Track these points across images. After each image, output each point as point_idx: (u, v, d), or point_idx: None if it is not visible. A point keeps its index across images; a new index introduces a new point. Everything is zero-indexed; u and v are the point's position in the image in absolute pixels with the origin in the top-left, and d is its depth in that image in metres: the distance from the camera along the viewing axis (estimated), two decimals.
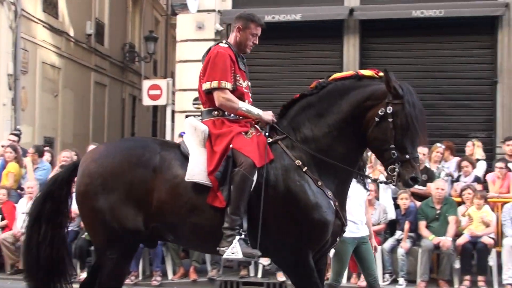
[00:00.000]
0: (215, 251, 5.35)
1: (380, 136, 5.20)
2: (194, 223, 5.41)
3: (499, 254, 10.28)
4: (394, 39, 14.51)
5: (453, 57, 14.21)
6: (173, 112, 16.36)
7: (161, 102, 16.40)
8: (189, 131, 5.69)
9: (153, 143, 5.73)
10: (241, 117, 5.67)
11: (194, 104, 15.05)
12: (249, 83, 5.93)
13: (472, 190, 10.58)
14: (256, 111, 5.62)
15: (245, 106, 5.62)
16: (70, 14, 19.65)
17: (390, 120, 5.12)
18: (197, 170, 5.39)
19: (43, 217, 5.77)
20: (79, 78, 20.57)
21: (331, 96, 5.42)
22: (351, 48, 14.41)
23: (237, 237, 5.22)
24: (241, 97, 5.66)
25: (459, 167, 11.39)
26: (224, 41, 5.83)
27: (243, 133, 5.47)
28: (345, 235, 7.41)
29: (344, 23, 14.44)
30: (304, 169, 5.32)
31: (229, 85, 5.56)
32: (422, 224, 10.45)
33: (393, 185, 5.33)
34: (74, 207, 5.91)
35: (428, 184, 10.77)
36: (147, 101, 16.62)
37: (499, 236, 10.58)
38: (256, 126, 5.61)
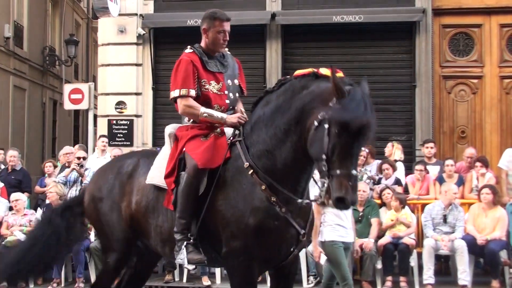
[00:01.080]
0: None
1: (315, 143, 4.69)
2: (156, 225, 5.65)
3: (420, 255, 10.50)
4: (316, 44, 14.67)
5: (373, 61, 14.47)
6: (95, 116, 16.16)
7: (82, 106, 16.15)
8: (165, 137, 5.92)
9: (137, 154, 6.35)
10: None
11: (116, 108, 14.92)
12: (233, 81, 5.81)
13: (391, 191, 10.79)
14: (218, 115, 5.51)
15: (206, 111, 5.50)
16: None
17: (326, 126, 4.57)
18: (157, 173, 5.65)
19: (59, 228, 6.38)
20: None
21: (286, 94, 5.12)
22: (273, 53, 14.52)
23: (185, 242, 5.24)
24: (207, 102, 5.58)
25: (380, 170, 11.60)
26: (189, 47, 5.79)
27: (202, 136, 5.45)
28: (335, 238, 7.66)
29: (266, 28, 14.55)
30: (250, 172, 5.13)
31: (192, 92, 5.53)
32: None
33: (320, 202, 4.73)
34: None
35: None
36: (68, 105, 16.35)
37: (420, 237, 10.83)
38: (225, 128, 5.52)
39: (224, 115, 5.51)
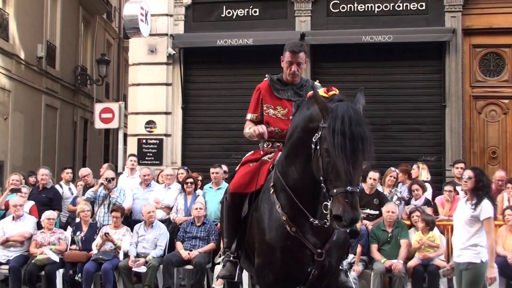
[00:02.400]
0: None
1: (315, 165, 4.70)
2: None
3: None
4: (345, 64, 14.68)
5: (402, 81, 14.45)
6: (125, 135, 16.29)
7: (113, 125, 16.34)
8: None
9: None
10: (270, 145, 5.91)
11: (146, 127, 15.02)
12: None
13: (420, 213, 10.70)
14: (249, 130, 5.86)
15: (247, 131, 5.92)
16: (21, 36, 19.45)
17: (318, 147, 4.62)
18: None
19: None
20: (30, 101, 20.32)
21: (297, 117, 5.17)
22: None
23: (225, 259, 5.73)
24: (267, 125, 5.87)
25: (410, 191, 11.53)
26: (267, 75, 6.08)
27: (252, 161, 5.79)
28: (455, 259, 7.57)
29: None
30: (271, 191, 5.26)
31: (254, 117, 5.98)
32: (374, 247, 10.52)
33: (327, 225, 4.71)
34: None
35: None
36: (99, 124, 16.56)
37: (450, 259, 10.70)
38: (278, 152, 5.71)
39: (251, 130, 5.83)
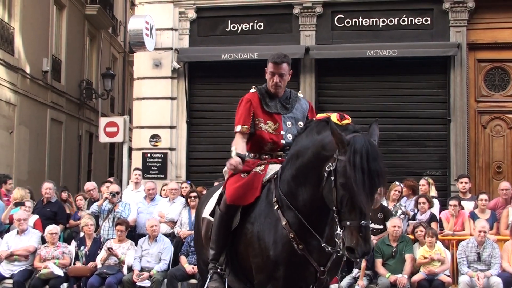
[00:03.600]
0: None
1: (327, 194, 4.78)
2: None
3: None
4: (349, 78, 14.70)
5: (407, 96, 14.45)
6: (130, 149, 16.29)
7: (117, 139, 16.35)
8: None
9: (220, 185, 6.34)
10: (257, 157, 5.84)
11: (151, 141, 15.03)
12: (295, 124, 5.84)
13: (424, 228, 10.66)
14: (233, 155, 5.61)
15: (233, 151, 5.64)
16: (27, 51, 19.52)
17: (333, 178, 4.68)
18: (210, 207, 6.04)
19: None
20: (35, 115, 20.36)
21: (306, 137, 5.18)
22: (307, 87, 14.54)
23: (211, 271, 5.62)
24: (261, 140, 5.77)
25: (416, 204, 11.48)
26: (253, 87, 5.98)
27: (244, 172, 5.61)
28: None
29: (300, 62, 14.58)
30: (275, 207, 5.25)
31: (244, 128, 5.74)
32: (379, 261, 10.49)
33: (340, 253, 4.82)
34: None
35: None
36: (103, 138, 16.57)
37: (455, 274, 10.66)
38: (269, 166, 5.69)
39: (233, 155, 5.57)
